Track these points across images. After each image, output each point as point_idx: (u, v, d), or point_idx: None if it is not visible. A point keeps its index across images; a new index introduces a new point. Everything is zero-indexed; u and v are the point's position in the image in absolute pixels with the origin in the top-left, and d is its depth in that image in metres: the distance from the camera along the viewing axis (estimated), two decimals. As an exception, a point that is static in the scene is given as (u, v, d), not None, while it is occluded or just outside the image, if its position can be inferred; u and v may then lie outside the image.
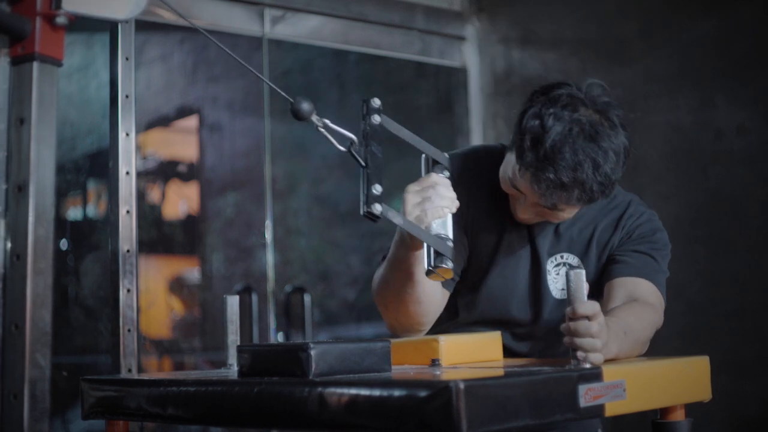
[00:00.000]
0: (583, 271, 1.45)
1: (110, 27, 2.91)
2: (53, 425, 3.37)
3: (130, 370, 2.81)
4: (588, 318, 1.45)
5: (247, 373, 1.49)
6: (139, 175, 3.23)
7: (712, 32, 3.45)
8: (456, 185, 1.82)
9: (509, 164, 1.82)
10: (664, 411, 1.60)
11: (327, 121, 1.55)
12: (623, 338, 1.62)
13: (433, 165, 1.71)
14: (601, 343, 1.46)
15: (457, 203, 1.65)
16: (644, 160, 3.60)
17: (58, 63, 1.44)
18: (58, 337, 3.30)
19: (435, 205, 1.61)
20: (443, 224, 1.62)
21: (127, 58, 2.90)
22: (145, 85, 3.78)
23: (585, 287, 1.47)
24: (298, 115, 1.53)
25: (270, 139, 3.79)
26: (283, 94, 1.57)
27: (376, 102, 1.62)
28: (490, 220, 1.93)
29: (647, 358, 1.69)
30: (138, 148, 3.18)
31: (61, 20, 1.41)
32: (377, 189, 1.53)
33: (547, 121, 1.72)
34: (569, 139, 1.71)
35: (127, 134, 2.88)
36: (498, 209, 1.93)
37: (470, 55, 4.29)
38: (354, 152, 1.57)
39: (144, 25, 3.25)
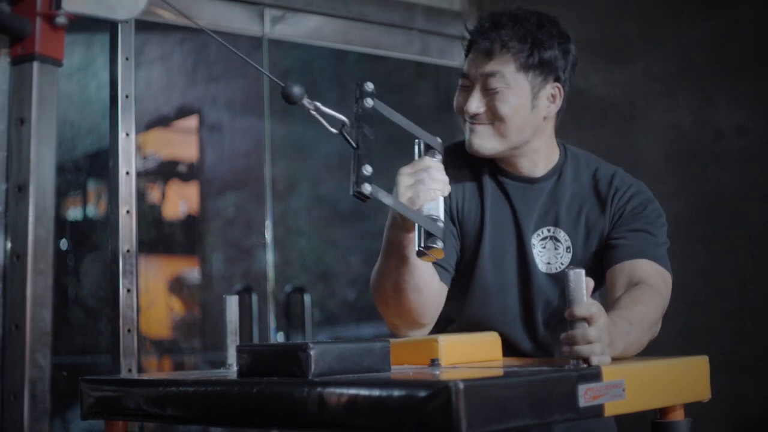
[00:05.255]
0: (583, 271, 1.45)
1: (110, 27, 2.91)
2: (53, 425, 3.37)
3: (130, 370, 2.82)
4: (586, 320, 1.44)
5: (247, 373, 1.49)
6: (139, 175, 3.24)
7: (712, 32, 3.45)
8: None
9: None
10: (664, 411, 1.60)
11: (318, 104, 1.58)
12: (629, 331, 1.61)
13: (426, 150, 1.73)
14: (601, 348, 1.45)
15: (448, 187, 1.65)
16: (644, 160, 3.61)
17: (58, 63, 1.45)
18: (58, 337, 3.29)
19: (427, 188, 1.61)
20: (435, 207, 1.63)
21: (127, 58, 2.90)
22: (145, 85, 3.78)
23: (584, 287, 1.45)
24: (289, 99, 1.57)
25: (270, 139, 3.79)
26: (274, 79, 1.61)
27: (369, 86, 1.65)
28: (472, 202, 1.96)
29: (647, 358, 1.69)
30: (138, 148, 3.18)
31: (61, 20, 1.41)
32: (367, 170, 1.54)
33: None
34: (513, 7, 1.90)
35: (127, 134, 2.88)
36: (479, 191, 1.95)
37: (470, 55, 4.28)
38: (345, 134, 1.59)
39: (144, 25, 3.25)
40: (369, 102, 1.63)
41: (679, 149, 3.54)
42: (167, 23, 3.48)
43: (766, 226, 3.29)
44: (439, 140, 1.74)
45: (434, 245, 1.59)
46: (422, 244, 1.60)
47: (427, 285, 1.78)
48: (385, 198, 1.57)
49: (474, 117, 1.89)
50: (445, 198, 1.93)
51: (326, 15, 3.88)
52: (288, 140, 3.95)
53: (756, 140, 3.32)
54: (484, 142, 1.89)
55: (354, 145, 1.57)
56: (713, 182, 3.43)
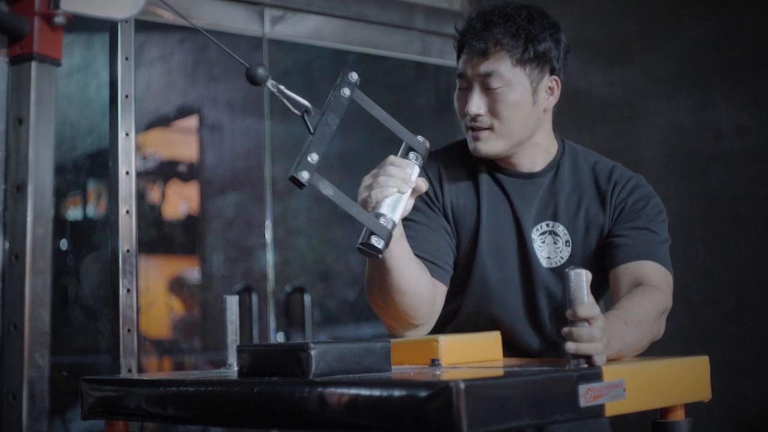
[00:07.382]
0: (584, 271, 1.44)
1: (110, 27, 2.91)
2: (53, 425, 3.37)
3: (130, 370, 2.81)
4: (587, 320, 1.44)
5: (247, 373, 1.49)
6: (139, 175, 3.23)
7: (712, 32, 3.45)
8: (427, 175, 1.90)
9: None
10: (664, 411, 1.60)
11: (282, 87, 1.56)
12: (625, 330, 1.60)
13: (408, 151, 1.67)
14: (602, 346, 1.46)
15: (412, 184, 1.61)
16: (644, 160, 3.60)
17: (56, 63, 1.44)
18: (58, 337, 3.30)
19: (381, 186, 1.59)
20: (392, 205, 1.59)
21: (126, 58, 2.90)
22: (145, 85, 3.78)
23: (585, 287, 1.45)
24: (253, 81, 1.53)
25: (270, 139, 3.79)
26: (238, 59, 1.57)
27: (354, 76, 1.61)
28: (468, 200, 1.95)
29: (647, 358, 1.69)
30: (138, 148, 3.18)
31: (59, 20, 1.41)
32: (313, 158, 1.51)
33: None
34: (501, 5, 1.90)
35: (127, 134, 2.88)
36: (474, 188, 1.95)
37: (470, 55, 4.28)
38: (306, 119, 1.56)
39: (144, 25, 3.25)
40: (346, 92, 1.59)
41: (679, 149, 3.54)
42: (167, 23, 3.48)
43: (766, 226, 3.29)
44: (422, 139, 1.68)
45: (371, 242, 1.55)
46: (361, 241, 1.57)
47: (411, 286, 1.75)
48: (326, 189, 1.53)
49: (475, 119, 1.88)
50: (436, 196, 1.93)
51: (326, 15, 3.88)
52: (288, 140, 3.95)
53: (756, 140, 3.32)
54: (488, 146, 1.89)
55: (311, 130, 1.55)
56: (713, 182, 3.43)
